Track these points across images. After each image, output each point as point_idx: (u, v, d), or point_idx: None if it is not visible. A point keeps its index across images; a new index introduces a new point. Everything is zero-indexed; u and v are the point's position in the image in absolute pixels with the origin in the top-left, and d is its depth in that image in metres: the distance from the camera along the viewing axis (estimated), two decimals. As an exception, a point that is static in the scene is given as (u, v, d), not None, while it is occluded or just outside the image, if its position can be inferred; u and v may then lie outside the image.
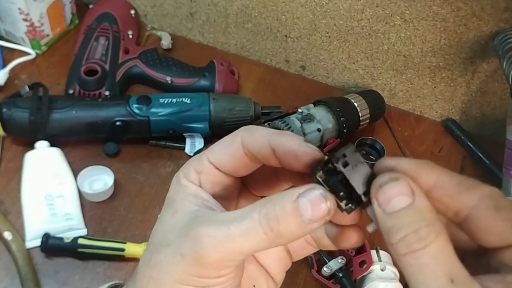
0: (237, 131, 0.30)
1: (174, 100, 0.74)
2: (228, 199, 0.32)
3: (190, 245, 0.26)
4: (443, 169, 0.26)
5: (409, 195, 0.24)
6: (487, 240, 0.25)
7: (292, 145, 0.28)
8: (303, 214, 0.25)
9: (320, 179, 0.27)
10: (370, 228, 0.27)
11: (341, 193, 0.26)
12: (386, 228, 0.24)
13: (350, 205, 0.27)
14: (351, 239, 0.30)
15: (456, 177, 0.26)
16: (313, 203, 0.25)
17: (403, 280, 0.65)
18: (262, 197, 0.29)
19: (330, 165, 0.27)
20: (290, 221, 0.25)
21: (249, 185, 0.33)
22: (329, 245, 0.31)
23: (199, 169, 0.30)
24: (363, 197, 0.26)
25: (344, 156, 0.27)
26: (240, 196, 0.33)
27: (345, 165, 0.26)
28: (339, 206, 0.27)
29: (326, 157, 0.28)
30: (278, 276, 0.33)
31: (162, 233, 0.29)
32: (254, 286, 0.32)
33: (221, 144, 0.30)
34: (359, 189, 0.26)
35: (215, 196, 0.30)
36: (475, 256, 0.27)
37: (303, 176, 0.28)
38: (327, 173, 0.27)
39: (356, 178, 0.26)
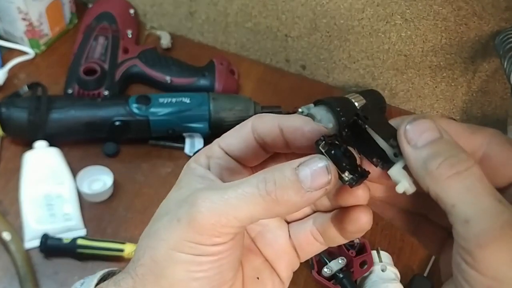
0: (248, 119, 0.30)
1: (174, 100, 0.74)
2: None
3: (186, 209, 0.26)
4: (447, 118, 0.27)
5: (437, 131, 0.25)
6: (503, 174, 0.26)
7: (300, 123, 0.29)
8: (303, 181, 0.25)
9: (322, 150, 0.27)
10: (399, 188, 0.26)
11: (344, 164, 0.26)
12: (421, 160, 0.25)
13: (352, 176, 0.26)
14: (358, 220, 0.29)
15: (463, 124, 0.27)
16: (314, 172, 0.25)
17: (403, 280, 0.65)
18: None
19: (334, 140, 0.27)
20: (288, 186, 0.25)
21: None
22: (335, 237, 0.31)
23: (209, 154, 0.30)
24: (389, 151, 0.26)
25: (366, 118, 0.28)
26: None
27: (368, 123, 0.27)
28: (341, 178, 0.26)
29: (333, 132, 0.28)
30: (284, 274, 0.32)
31: (164, 205, 0.29)
32: (258, 278, 0.31)
33: (233, 130, 0.31)
34: (383, 143, 0.27)
35: (223, 181, 0.30)
36: None
37: None
38: (330, 145, 0.27)
39: (378, 135, 0.27)
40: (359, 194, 0.28)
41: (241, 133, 0.30)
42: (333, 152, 0.26)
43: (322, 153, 0.26)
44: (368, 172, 0.27)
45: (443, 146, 0.25)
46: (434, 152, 0.24)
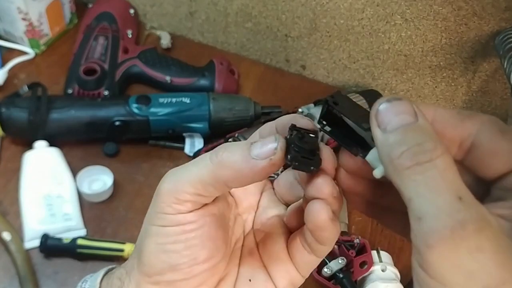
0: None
1: (174, 100, 0.74)
2: (249, 193, 0.34)
3: (159, 183, 0.29)
4: (437, 104, 0.26)
5: (411, 115, 0.23)
6: (492, 166, 0.24)
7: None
8: (251, 150, 0.26)
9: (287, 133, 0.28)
10: (376, 173, 0.25)
11: (292, 146, 0.26)
12: (387, 146, 0.23)
13: (291, 155, 0.26)
14: (311, 212, 0.28)
15: (453, 110, 0.25)
16: (263, 143, 0.26)
17: (403, 280, 0.65)
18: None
19: (303, 130, 0.28)
20: (236, 151, 0.26)
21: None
22: (311, 242, 0.29)
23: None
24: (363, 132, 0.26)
25: (336, 103, 0.27)
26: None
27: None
28: (286, 159, 0.27)
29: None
30: (280, 284, 0.31)
31: None
32: (250, 280, 0.31)
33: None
34: (357, 125, 0.26)
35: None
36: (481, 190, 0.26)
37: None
38: (296, 130, 0.28)
39: (352, 116, 0.26)
40: (318, 183, 0.27)
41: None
42: (290, 135, 0.27)
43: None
44: (319, 160, 0.27)
45: (412, 133, 0.22)
46: (400, 139, 0.23)
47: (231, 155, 0.26)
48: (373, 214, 0.31)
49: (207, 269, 0.29)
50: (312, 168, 0.27)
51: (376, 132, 0.24)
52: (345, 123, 0.27)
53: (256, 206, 0.34)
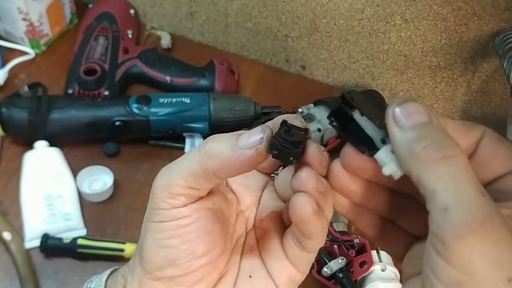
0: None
1: (174, 100, 0.74)
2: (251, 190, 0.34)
3: (154, 182, 0.29)
4: (442, 115, 0.27)
5: (427, 116, 0.24)
6: (491, 168, 0.26)
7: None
8: (239, 140, 0.27)
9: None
10: (386, 170, 0.25)
11: (276, 136, 0.27)
12: (407, 142, 0.24)
13: (274, 148, 0.27)
14: (294, 204, 0.27)
15: (457, 120, 0.27)
16: (250, 133, 0.27)
17: (403, 280, 0.65)
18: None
19: (295, 127, 0.28)
20: (223, 140, 0.27)
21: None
22: (299, 237, 0.29)
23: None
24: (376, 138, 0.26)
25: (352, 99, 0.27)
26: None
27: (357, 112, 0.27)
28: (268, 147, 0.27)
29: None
30: (279, 281, 0.31)
31: None
32: (250, 276, 0.31)
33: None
34: (374, 130, 0.27)
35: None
36: None
37: None
38: (286, 126, 0.28)
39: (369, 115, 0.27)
40: (301, 176, 0.27)
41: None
42: (279, 128, 0.27)
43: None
44: (300, 152, 0.27)
45: (431, 130, 0.24)
46: (421, 135, 0.24)
47: (218, 145, 0.27)
48: (352, 215, 0.31)
49: (206, 264, 0.29)
50: (291, 158, 0.27)
51: (394, 130, 0.24)
52: (353, 122, 0.27)
53: (257, 203, 0.34)
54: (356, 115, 0.27)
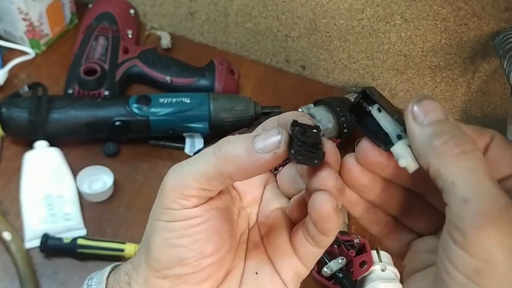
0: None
1: (174, 100, 0.74)
2: (252, 187, 0.34)
3: (163, 181, 0.29)
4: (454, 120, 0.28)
5: (443, 113, 0.26)
6: (498, 169, 0.26)
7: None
8: (255, 143, 0.26)
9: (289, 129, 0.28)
10: (402, 163, 0.27)
11: (295, 141, 0.27)
12: (426, 137, 0.25)
13: (295, 150, 0.27)
14: (316, 203, 0.28)
15: (469, 126, 0.27)
16: (266, 136, 0.27)
17: (403, 280, 0.65)
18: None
19: (306, 126, 0.28)
20: (239, 143, 0.27)
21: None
22: (314, 233, 0.29)
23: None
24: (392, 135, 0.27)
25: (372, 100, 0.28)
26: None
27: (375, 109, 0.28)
28: (289, 153, 0.27)
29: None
30: (285, 276, 0.31)
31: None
32: (257, 273, 0.32)
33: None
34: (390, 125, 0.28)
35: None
36: None
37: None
38: (298, 125, 0.28)
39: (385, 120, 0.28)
40: (322, 175, 0.28)
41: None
42: (293, 130, 0.27)
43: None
44: (322, 154, 0.27)
45: (449, 127, 0.25)
46: (440, 130, 0.25)
47: (235, 148, 0.27)
48: (359, 210, 0.31)
49: (214, 262, 0.29)
50: (316, 161, 0.27)
51: (413, 126, 0.26)
52: (370, 117, 0.28)
53: (259, 199, 0.34)
54: (374, 111, 0.28)
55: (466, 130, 0.26)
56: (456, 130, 0.25)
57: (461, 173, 0.23)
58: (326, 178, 0.28)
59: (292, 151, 0.27)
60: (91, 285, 0.33)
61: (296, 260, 0.31)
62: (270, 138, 0.26)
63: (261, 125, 0.31)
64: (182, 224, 0.28)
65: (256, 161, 0.26)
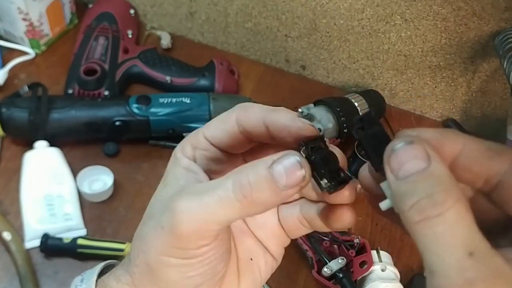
0: (233, 108, 0.30)
1: (174, 100, 0.74)
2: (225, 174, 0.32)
3: (168, 218, 0.26)
4: (469, 136, 0.25)
5: (424, 159, 0.23)
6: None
7: (285, 121, 0.28)
8: (277, 180, 0.25)
9: (303, 155, 0.26)
10: (383, 205, 0.25)
11: (322, 171, 0.26)
12: (399, 195, 0.23)
13: (329, 184, 0.26)
14: (343, 219, 0.29)
15: (484, 143, 0.24)
16: (288, 169, 0.25)
17: (403, 280, 0.65)
18: None
19: (319, 143, 0.27)
20: (264, 187, 0.25)
21: (248, 160, 0.33)
22: (321, 226, 0.31)
23: (194, 144, 0.30)
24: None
25: (361, 121, 0.26)
26: None
27: (362, 132, 0.26)
28: (319, 185, 0.26)
29: (320, 133, 0.28)
30: (276, 253, 0.33)
31: (151, 206, 0.30)
32: (252, 259, 0.32)
33: (217, 121, 0.30)
34: (374, 158, 0.25)
35: (211, 171, 0.30)
36: (503, 230, 0.25)
37: None
38: (311, 149, 0.27)
39: (371, 147, 0.26)
40: (345, 195, 0.28)
41: (226, 126, 0.30)
42: (313, 158, 0.26)
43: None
44: (351, 178, 0.27)
45: (422, 182, 0.22)
46: (410, 189, 0.22)
47: (261, 194, 0.25)
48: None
49: (224, 272, 0.30)
50: (343, 186, 0.27)
51: (389, 177, 0.23)
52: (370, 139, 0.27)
53: None
54: (358, 137, 0.27)
55: (477, 153, 0.24)
56: (429, 186, 0.22)
57: (427, 243, 0.21)
58: (350, 195, 0.28)
59: (323, 184, 0.26)
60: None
61: (286, 236, 0.33)
62: (293, 173, 0.25)
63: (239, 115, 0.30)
64: (200, 259, 0.27)
65: (283, 198, 0.25)
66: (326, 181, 0.26)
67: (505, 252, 0.22)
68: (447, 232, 0.21)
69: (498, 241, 0.24)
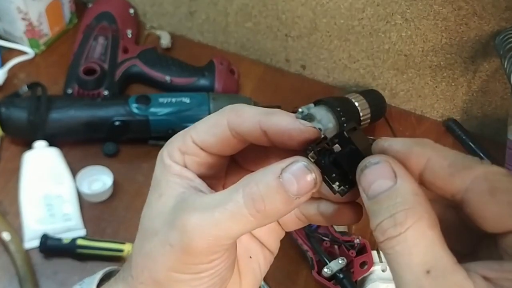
0: (222, 110, 0.28)
1: (174, 99, 0.74)
2: (216, 178, 0.31)
3: (177, 236, 0.26)
4: (437, 148, 0.24)
5: (390, 178, 0.23)
6: (483, 225, 0.23)
7: (285, 124, 0.26)
8: (289, 190, 0.24)
9: (312, 160, 0.26)
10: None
11: (334, 175, 0.26)
12: (369, 215, 0.24)
13: (342, 187, 0.26)
14: (348, 217, 0.29)
15: (450, 157, 0.24)
16: (298, 177, 0.25)
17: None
18: (252, 171, 0.28)
19: (324, 145, 0.26)
20: (276, 199, 0.25)
21: (238, 160, 0.32)
22: (320, 221, 0.31)
23: (183, 150, 0.29)
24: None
25: (336, 138, 0.26)
26: (229, 173, 0.32)
27: (339, 147, 0.26)
28: (331, 189, 0.26)
29: (322, 135, 0.27)
30: (272, 247, 0.33)
31: (149, 219, 0.29)
32: (251, 257, 0.32)
33: (206, 124, 0.28)
34: (351, 172, 0.26)
35: (202, 176, 0.29)
36: (479, 242, 0.26)
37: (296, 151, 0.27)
38: (319, 153, 0.26)
39: (348, 162, 0.26)
40: (349, 195, 0.28)
41: (217, 130, 0.28)
42: (322, 162, 0.26)
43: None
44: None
45: (387, 202, 0.23)
46: (377, 209, 0.23)
47: (274, 206, 0.25)
48: None
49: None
50: (355, 187, 0.27)
51: (362, 196, 0.24)
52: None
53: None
54: (336, 152, 0.27)
55: (439, 168, 0.24)
56: (392, 207, 0.22)
57: (390, 261, 0.22)
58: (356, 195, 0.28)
59: (335, 188, 0.26)
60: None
61: (282, 231, 0.33)
62: (303, 180, 0.25)
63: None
64: (211, 272, 0.27)
65: (295, 206, 0.25)
66: (338, 183, 0.26)
67: (478, 267, 0.22)
68: (405, 251, 0.22)
69: (479, 253, 0.24)
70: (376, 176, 0.24)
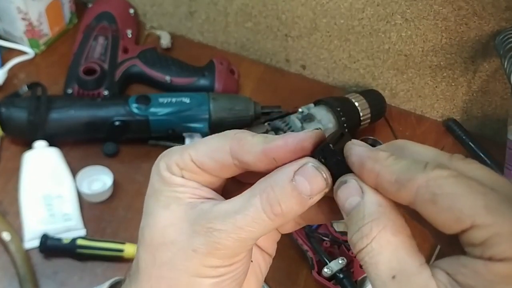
0: (224, 135, 0.29)
1: (174, 99, 0.74)
2: (213, 188, 0.31)
3: (202, 241, 0.27)
4: (385, 162, 0.25)
5: (358, 194, 0.25)
6: (439, 229, 0.24)
7: (292, 141, 0.27)
8: (302, 191, 0.26)
9: (322, 161, 0.27)
10: (339, 227, 0.28)
11: (341, 172, 0.27)
12: (347, 223, 0.26)
13: None
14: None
15: (396, 171, 0.24)
16: (310, 178, 0.26)
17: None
18: (251, 184, 0.28)
19: (325, 147, 0.27)
20: (291, 201, 0.26)
21: (240, 177, 0.32)
22: (316, 221, 0.32)
23: (181, 166, 0.29)
24: None
25: (323, 151, 0.27)
26: (226, 183, 0.32)
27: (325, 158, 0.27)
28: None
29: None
30: (270, 249, 0.34)
31: (158, 230, 0.28)
32: (252, 261, 0.32)
33: (208, 147, 0.29)
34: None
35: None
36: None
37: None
38: (325, 154, 0.27)
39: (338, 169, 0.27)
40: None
41: (217, 156, 0.28)
42: (329, 163, 0.27)
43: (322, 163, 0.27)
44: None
45: (355, 217, 0.25)
46: (349, 225, 0.25)
47: (290, 206, 0.26)
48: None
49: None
50: None
51: (342, 213, 0.26)
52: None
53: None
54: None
55: (386, 184, 0.25)
56: (359, 221, 0.24)
57: (366, 272, 0.24)
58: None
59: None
60: None
61: (278, 234, 0.34)
62: (315, 181, 0.26)
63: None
64: (232, 274, 0.28)
65: (309, 205, 0.27)
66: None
67: (440, 263, 0.23)
68: (372, 261, 0.24)
69: (455, 248, 0.24)
70: (347, 194, 0.26)
